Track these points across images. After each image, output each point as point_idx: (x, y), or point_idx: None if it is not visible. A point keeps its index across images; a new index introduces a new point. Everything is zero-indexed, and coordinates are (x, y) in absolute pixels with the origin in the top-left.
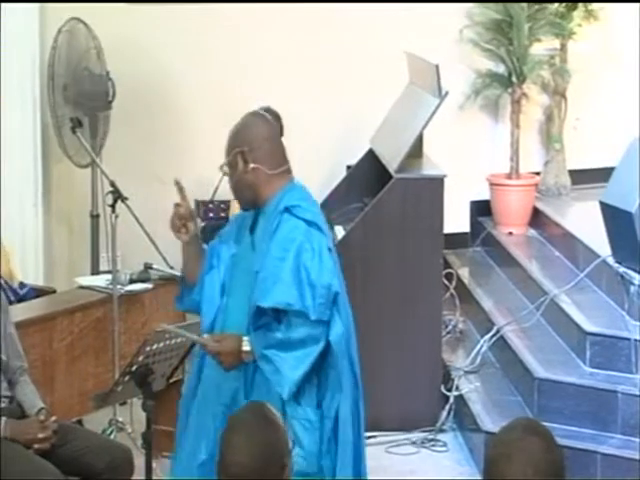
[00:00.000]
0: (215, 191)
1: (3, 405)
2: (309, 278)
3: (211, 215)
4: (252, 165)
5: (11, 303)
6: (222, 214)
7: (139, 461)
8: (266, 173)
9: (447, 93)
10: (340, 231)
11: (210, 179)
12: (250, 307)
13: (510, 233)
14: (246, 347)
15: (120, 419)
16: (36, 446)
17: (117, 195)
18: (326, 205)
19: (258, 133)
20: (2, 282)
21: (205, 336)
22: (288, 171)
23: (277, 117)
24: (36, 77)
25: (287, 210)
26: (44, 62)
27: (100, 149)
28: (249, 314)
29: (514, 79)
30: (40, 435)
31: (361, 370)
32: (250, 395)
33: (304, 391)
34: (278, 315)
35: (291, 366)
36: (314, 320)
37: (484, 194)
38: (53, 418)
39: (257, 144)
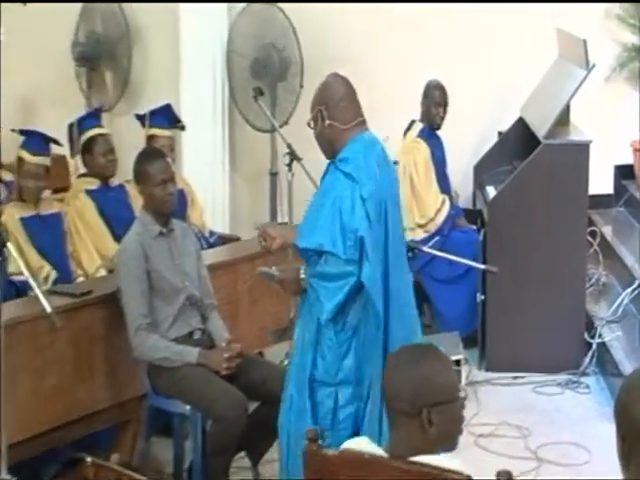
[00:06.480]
0: None
1: (197, 337)
2: (341, 222)
3: None
4: (328, 122)
5: (203, 249)
6: None
7: None
8: (340, 128)
9: (594, 66)
10: (492, 191)
11: None
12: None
13: None
14: (303, 275)
15: None
16: (224, 366)
17: (293, 156)
18: (479, 166)
19: (333, 93)
20: (197, 231)
21: (273, 268)
22: (361, 123)
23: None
24: (224, 54)
25: (334, 162)
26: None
27: (289, 117)
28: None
29: None
30: (226, 355)
31: (511, 318)
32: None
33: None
34: (320, 252)
35: (329, 295)
36: (345, 259)
37: (628, 159)
38: (238, 345)
39: (332, 103)
